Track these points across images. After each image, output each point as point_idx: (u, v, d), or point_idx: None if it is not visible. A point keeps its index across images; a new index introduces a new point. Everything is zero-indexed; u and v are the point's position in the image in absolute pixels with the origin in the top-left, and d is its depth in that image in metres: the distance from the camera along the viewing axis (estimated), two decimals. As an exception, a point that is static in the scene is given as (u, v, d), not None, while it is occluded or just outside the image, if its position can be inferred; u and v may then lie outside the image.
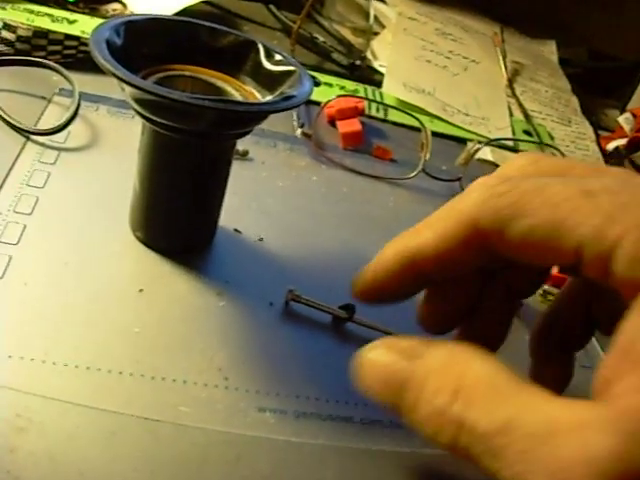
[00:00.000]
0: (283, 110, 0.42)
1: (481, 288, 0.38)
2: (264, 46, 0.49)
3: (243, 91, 0.48)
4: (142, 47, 0.46)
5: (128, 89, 0.41)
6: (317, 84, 0.79)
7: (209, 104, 0.39)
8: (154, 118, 0.43)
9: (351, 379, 0.35)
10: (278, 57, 0.48)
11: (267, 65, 0.48)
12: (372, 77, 0.92)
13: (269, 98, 0.47)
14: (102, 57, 0.40)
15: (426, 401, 0.28)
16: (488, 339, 0.39)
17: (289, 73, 0.47)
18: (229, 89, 0.48)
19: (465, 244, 0.31)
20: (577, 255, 0.26)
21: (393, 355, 0.31)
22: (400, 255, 0.33)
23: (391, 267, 0.34)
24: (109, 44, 0.42)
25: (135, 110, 0.44)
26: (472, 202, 0.30)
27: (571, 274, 0.39)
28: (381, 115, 0.82)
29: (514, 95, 0.96)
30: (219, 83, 0.48)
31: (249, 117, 0.43)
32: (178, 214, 0.50)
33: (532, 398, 0.25)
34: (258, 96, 0.48)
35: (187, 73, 0.48)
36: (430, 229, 0.32)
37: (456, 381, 0.27)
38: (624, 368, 0.24)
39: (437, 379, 0.28)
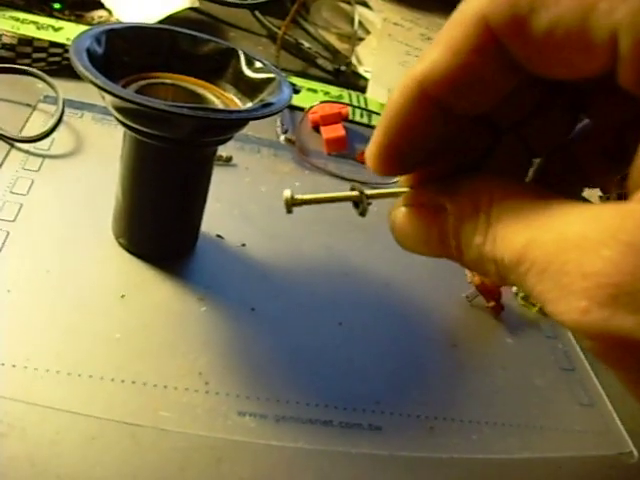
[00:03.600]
0: (261, 117, 0.42)
1: (490, 145, 0.32)
2: (245, 54, 0.49)
3: (224, 98, 0.48)
4: (123, 55, 0.47)
5: (108, 97, 0.41)
6: (297, 91, 0.79)
7: (187, 112, 0.39)
8: (134, 126, 0.43)
9: (331, 381, 0.35)
10: (258, 64, 0.49)
11: (248, 72, 0.49)
12: (357, 82, 0.93)
13: (249, 105, 0.47)
14: (82, 65, 0.40)
15: (466, 247, 0.26)
16: None
17: (269, 80, 0.48)
18: (210, 96, 0.48)
19: (478, 53, 0.24)
20: (611, 51, 0.22)
21: (420, 210, 0.28)
22: (407, 89, 0.26)
23: (402, 107, 0.27)
24: (90, 53, 0.43)
25: (116, 118, 0.44)
26: None
27: (604, 106, 0.31)
28: (365, 120, 0.82)
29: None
30: (200, 90, 0.49)
31: (228, 125, 0.44)
32: (160, 220, 0.50)
33: (547, 216, 0.23)
34: (239, 103, 0.48)
35: (168, 81, 0.48)
36: (437, 46, 0.25)
37: (486, 219, 0.25)
38: None
39: (470, 222, 0.26)
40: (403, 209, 0.29)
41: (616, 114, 0.30)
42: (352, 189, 0.30)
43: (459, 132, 0.29)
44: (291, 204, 0.31)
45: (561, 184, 0.33)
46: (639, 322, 0.20)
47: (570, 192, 0.33)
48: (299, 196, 0.31)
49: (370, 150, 0.29)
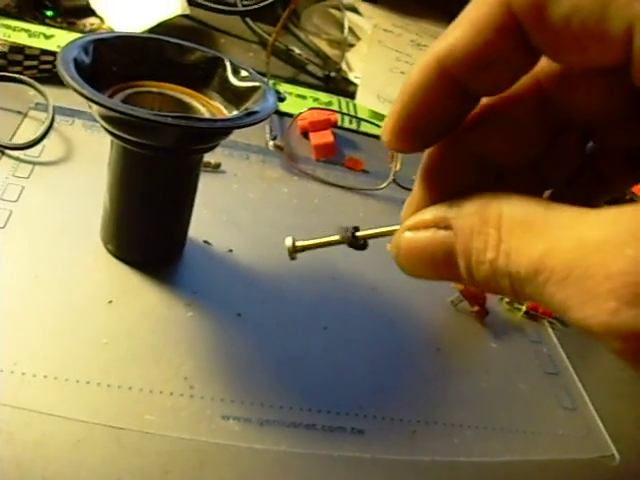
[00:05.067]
0: (245, 126, 0.43)
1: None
2: (231, 62, 0.50)
3: (210, 107, 0.49)
4: (111, 64, 0.47)
5: (95, 107, 0.42)
6: (282, 99, 0.80)
7: (172, 121, 0.40)
8: (121, 134, 0.44)
9: (315, 385, 0.35)
10: (244, 73, 0.50)
11: (233, 81, 0.50)
12: (347, 88, 0.94)
13: (235, 113, 0.48)
14: (68, 75, 0.41)
15: (477, 264, 0.26)
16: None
17: (254, 89, 0.48)
18: (196, 105, 0.49)
19: (499, 32, 0.25)
20: (627, 43, 0.22)
21: (426, 233, 0.28)
22: (430, 64, 0.26)
23: (422, 82, 0.27)
24: (77, 62, 0.43)
25: (103, 127, 0.45)
26: None
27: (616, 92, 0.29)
28: (354, 126, 0.83)
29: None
30: (186, 99, 0.49)
31: (212, 133, 0.45)
32: (147, 227, 0.51)
33: (563, 224, 0.23)
34: (225, 111, 0.49)
35: (155, 89, 0.49)
36: (459, 26, 0.26)
37: (496, 233, 0.25)
38: None
39: (479, 238, 0.26)
40: (407, 234, 0.29)
41: (625, 139, 0.30)
42: (345, 231, 0.32)
43: (465, 179, 0.30)
44: (293, 251, 0.33)
45: (586, 196, 0.33)
46: None
47: (594, 203, 0.33)
48: (300, 243, 0.33)
49: (386, 124, 0.29)
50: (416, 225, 0.28)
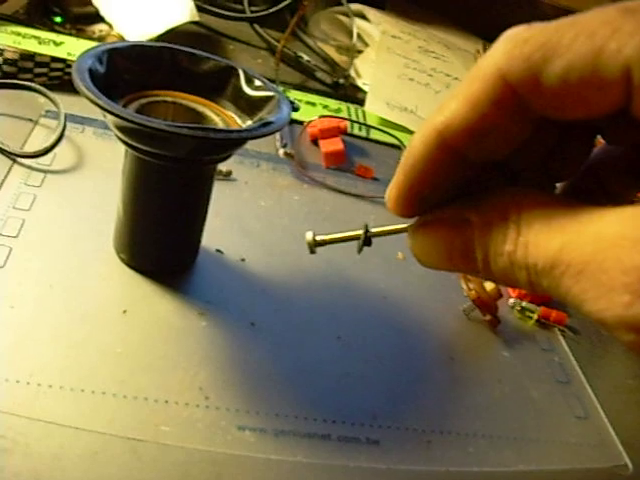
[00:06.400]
0: (260, 137, 0.43)
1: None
2: (244, 72, 0.50)
3: (224, 116, 0.49)
4: (125, 74, 0.48)
5: (110, 117, 0.42)
6: (296, 109, 0.80)
7: (187, 132, 0.40)
8: (136, 145, 0.44)
9: (329, 395, 0.35)
10: (258, 82, 0.50)
11: (247, 90, 0.50)
12: (356, 95, 0.94)
13: (249, 123, 0.48)
14: (84, 86, 0.41)
15: (495, 256, 0.27)
16: None
17: (268, 98, 0.48)
18: (210, 114, 0.49)
19: (496, 105, 0.26)
20: (625, 85, 0.23)
21: (444, 225, 0.29)
22: (427, 137, 0.28)
23: (422, 154, 0.28)
24: (92, 72, 0.43)
25: (117, 136, 0.45)
26: (498, 56, 0.25)
27: (620, 132, 0.31)
28: (363, 134, 0.83)
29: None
30: (200, 108, 0.49)
31: (227, 144, 0.45)
32: (161, 236, 0.51)
33: (582, 221, 0.24)
34: (238, 121, 0.49)
35: (169, 99, 0.49)
36: (456, 98, 0.27)
37: (515, 227, 0.26)
38: None
39: (498, 231, 0.26)
40: (425, 226, 0.30)
41: (631, 136, 0.30)
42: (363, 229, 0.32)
43: (478, 176, 0.30)
44: (314, 245, 0.33)
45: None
46: None
47: None
48: (319, 237, 0.33)
49: (391, 193, 0.30)
50: (435, 219, 0.29)
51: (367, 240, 0.33)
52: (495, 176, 0.31)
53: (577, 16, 0.24)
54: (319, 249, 0.34)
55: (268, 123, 0.44)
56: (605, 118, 0.25)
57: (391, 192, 0.30)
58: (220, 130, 0.44)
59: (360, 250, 0.33)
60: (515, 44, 0.25)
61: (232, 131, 0.44)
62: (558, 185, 0.33)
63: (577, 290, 0.23)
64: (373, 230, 0.33)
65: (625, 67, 0.22)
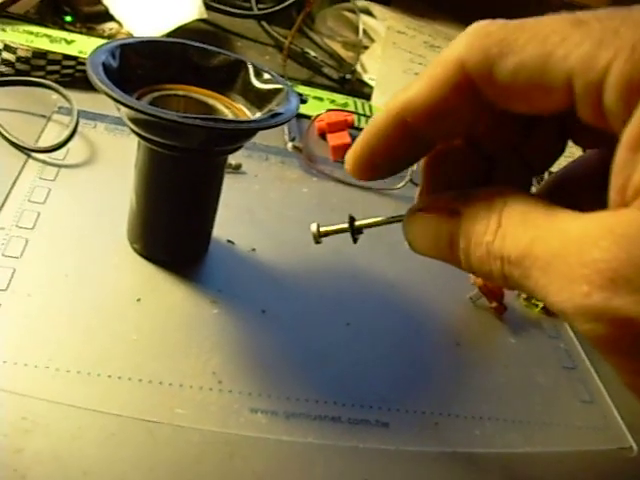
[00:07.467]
0: (270, 127, 0.44)
1: (486, 170, 0.35)
2: (253, 65, 0.51)
3: (233, 108, 0.50)
4: (137, 68, 0.49)
5: (124, 109, 0.43)
6: (304, 101, 0.81)
7: (200, 123, 0.41)
8: (148, 136, 0.45)
9: (339, 379, 0.35)
10: (267, 76, 0.51)
11: (256, 83, 0.51)
12: (362, 90, 0.95)
13: (258, 115, 0.49)
14: (98, 79, 0.42)
15: (475, 246, 0.28)
16: None
17: (277, 91, 0.50)
18: (220, 107, 0.50)
19: (453, 90, 0.28)
20: (568, 91, 0.25)
21: (435, 214, 0.30)
22: (390, 113, 0.30)
23: (382, 129, 0.31)
24: (105, 66, 0.44)
25: (131, 129, 0.46)
26: (461, 45, 0.27)
27: (567, 129, 0.34)
28: (370, 127, 0.84)
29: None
30: (210, 101, 0.51)
31: (238, 134, 0.46)
32: (173, 227, 0.52)
33: (554, 219, 0.25)
34: (248, 113, 0.50)
35: (180, 92, 0.50)
36: (419, 81, 0.29)
37: (497, 219, 0.27)
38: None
39: (481, 222, 0.28)
40: (418, 214, 0.31)
41: (592, 139, 0.32)
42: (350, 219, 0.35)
43: (456, 159, 0.33)
44: (318, 236, 0.36)
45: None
46: (636, 301, 0.21)
47: None
48: (323, 228, 0.36)
49: (349, 156, 0.33)
50: (427, 207, 0.31)
51: (354, 230, 0.35)
52: (473, 160, 0.33)
53: (539, 19, 0.26)
54: (326, 239, 0.36)
55: (277, 114, 0.45)
56: (562, 115, 0.27)
57: (349, 156, 0.33)
58: (231, 121, 0.45)
59: (355, 240, 0.36)
60: (477, 36, 0.27)
61: (242, 122, 0.45)
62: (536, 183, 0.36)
63: (543, 282, 0.24)
64: (368, 221, 0.35)
65: (568, 75, 0.24)
